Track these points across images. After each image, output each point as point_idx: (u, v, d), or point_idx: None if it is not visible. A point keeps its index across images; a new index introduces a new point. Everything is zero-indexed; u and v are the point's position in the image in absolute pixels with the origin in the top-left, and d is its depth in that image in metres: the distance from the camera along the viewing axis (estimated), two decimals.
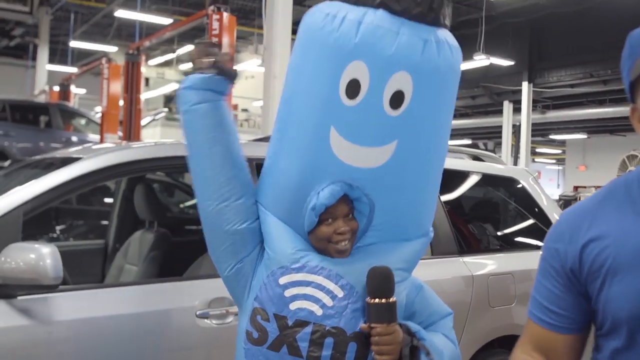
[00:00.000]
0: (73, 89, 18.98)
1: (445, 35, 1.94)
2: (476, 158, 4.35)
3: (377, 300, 1.82)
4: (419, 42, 1.84)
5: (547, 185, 35.36)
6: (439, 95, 1.95)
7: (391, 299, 1.83)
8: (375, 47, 1.82)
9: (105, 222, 4.75)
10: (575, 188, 13.12)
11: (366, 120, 1.86)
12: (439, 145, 2.03)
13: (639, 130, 1.42)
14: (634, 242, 1.37)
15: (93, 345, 2.55)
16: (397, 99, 1.85)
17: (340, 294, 1.84)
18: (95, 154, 2.91)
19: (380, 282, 1.84)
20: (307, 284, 1.84)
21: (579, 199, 10.78)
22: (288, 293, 1.84)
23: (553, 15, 16.92)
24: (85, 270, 4.24)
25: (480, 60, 16.52)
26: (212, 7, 9.22)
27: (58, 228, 6.99)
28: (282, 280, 1.85)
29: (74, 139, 12.78)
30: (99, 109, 14.56)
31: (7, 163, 10.45)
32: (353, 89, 1.84)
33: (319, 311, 1.82)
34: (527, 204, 4.29)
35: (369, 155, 1.88)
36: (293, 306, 1.82)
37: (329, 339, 1.80)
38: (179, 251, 3.87)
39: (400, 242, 1.99)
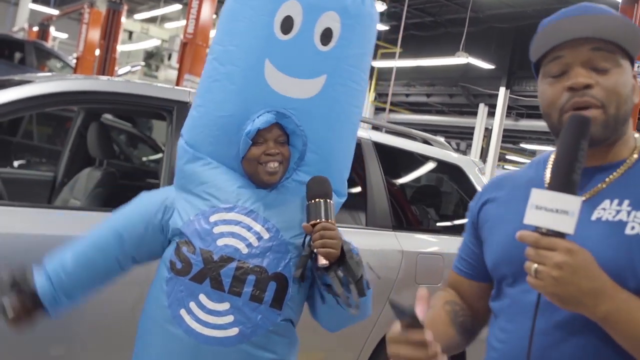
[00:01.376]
0: (52, 30, 18.76)
1: None
2: (426, 142, 4.47)
3: (317, 200, 1.95)
4: None
5: None
6: (363, 40, 2.15)
7: (329, 200, 1.96)
8: None
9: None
10: None
11: (298, 54, 2.03)
12: (359, 90, 2.19)
13: None
14: (510, 210, 1.52)
15: (19, 260, 2.60)
16: (326, 36, 2.05)
17: (265, 235, 1.95)
18: (48, 79, 2.96)
19: (320, 185, 1.99)
20: (236, 223, 1.95)
21: None
22: (217, 230, 1.93)
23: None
24: (31, 199, 4.28)
25: (460, 58, 16.65)
26: None
27: (16, 163, 6.99)
28: (213, 218, 1.95)
29: None
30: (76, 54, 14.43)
31: None
32: (287, 25, 2.02)
33: (244, 249, 1.92)
34: (470, 194, 4.42)
35: (301, 86, 2.04)
36: (220, 242, 1.92)
37: (251, 276, 1.90)
38: (125, 192, 3.94)
39: None
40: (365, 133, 3.88)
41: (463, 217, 4.50)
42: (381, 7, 13.52)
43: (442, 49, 17.64)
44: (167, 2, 20.73)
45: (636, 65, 1.45)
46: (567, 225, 1.20)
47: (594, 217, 1.39)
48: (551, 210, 1.21)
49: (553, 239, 1.21)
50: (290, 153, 2.05)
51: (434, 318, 1.61)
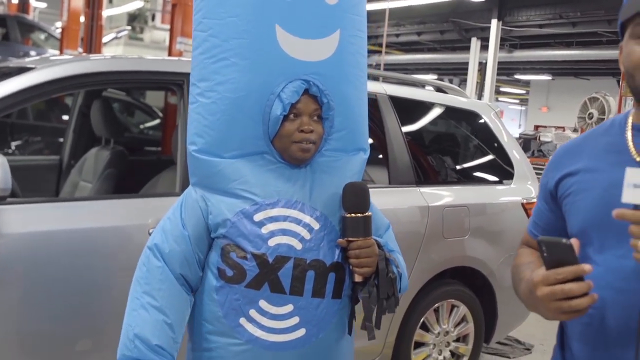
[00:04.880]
0: (32, 1, 18.35)
1: None
2: (439, 90, 4.33)
3: (353, 214, 1.83)
4: None
5: (508, 125, 35.48)
6: None
7: (367, 213, 1.84)
8: None
9: (61, 140, 4.66)
10: (536, 127, 13.30)
11: (309, 12, 1.88)
12: (364, 38, 2.06)
13: (621, 67, 1.52)
14: (596, 177, 1.52)
15: (42, 259, 2.51)
16: None
17: (316, 226, 1.83)
18: (51, 64, 2.81)
19: (357, 197, 1.85)
20: (284, 218, 1.81)
21: (538, 138, 10.96)
22: (265, 229, 1.79)
23: None
24: (38, 186, 4.17)
25: None
26: None
27: (13, 144, 6.86)
28: (258, 217, 1.80)
29: (33, 53, 12.42)
30: (59, 24, 14.10)
31: None
32: None
33: (298, 245, 1.80)
34: (487, 139, 4.31)
35: (318, 47, 1.89)
36: (272, 242, 1.78)
37: (310, 272, 1.79)
38: (135, 170, 3.84)
39: (351, 154, 2.00)
40: (380, 87, 3.74)
41: (482, 165, 4.40)
42: None
43: None
44: None
45: None
46: None
47: None
48: None
49: None
50: (324, 130, 1.89)
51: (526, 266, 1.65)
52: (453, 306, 3.87)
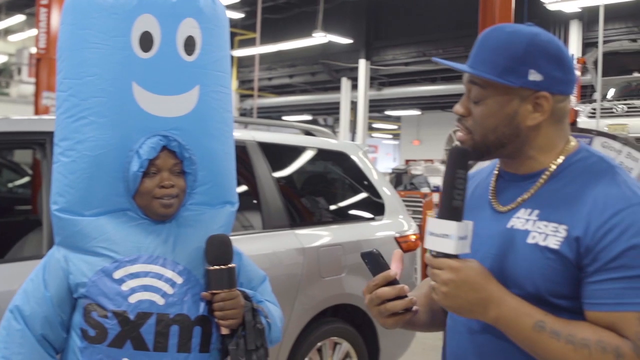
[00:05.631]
0: None
1: None
2: (308, 133, 4.44)
3: (217, 267, 1.85)
4: None
5: (384, 159, 36.65)
6: (222, 41, 2.07)
7: (230, 265, 1.87)
8: None
9: None
10: (407, 162, 13.88)
11: (165, 69, 1.91)
12: (228, 93, 2.12)
13: None
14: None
15: None
16: (189, 45, 1.95)
17: (179, 280, 1.83)
18: None
19: (220, 249, 1.88)
20: (145, 274, 1.80)
21: (409, 172, 11.38)
22: (125, 287, 1.78)
23: None
24: None
25: (319, 38, 16.78)
26: None
27: None
28: (117, 275, 1.79)
29: None
30: None
31: None
32: (146, 41, 1.89)
33: (160, 301, 1.79)
34: (357, 178, 4.45)
35: (177, 103, 1.92)
36: (132, 299, 1.77)
37: (174, 327, 1.79)
38: (1, 232, 3.70)
39: (217, 207, 2.02)
40: (248, 134, 3.81)
41: (354, 203, 4.53)
42: None
43: (300, 29, 17.74)
44: (8, 14, 19.59)
45: None
46: (448, 246, 1.38)
47: (509, 225, 1.48)
48: (437, 235, 1.39)
49: (440, 260, 1.38)
50: (186, 183, 1.91)
51: (418, 295, 1.71)
52: (335, 344, 3.93)
